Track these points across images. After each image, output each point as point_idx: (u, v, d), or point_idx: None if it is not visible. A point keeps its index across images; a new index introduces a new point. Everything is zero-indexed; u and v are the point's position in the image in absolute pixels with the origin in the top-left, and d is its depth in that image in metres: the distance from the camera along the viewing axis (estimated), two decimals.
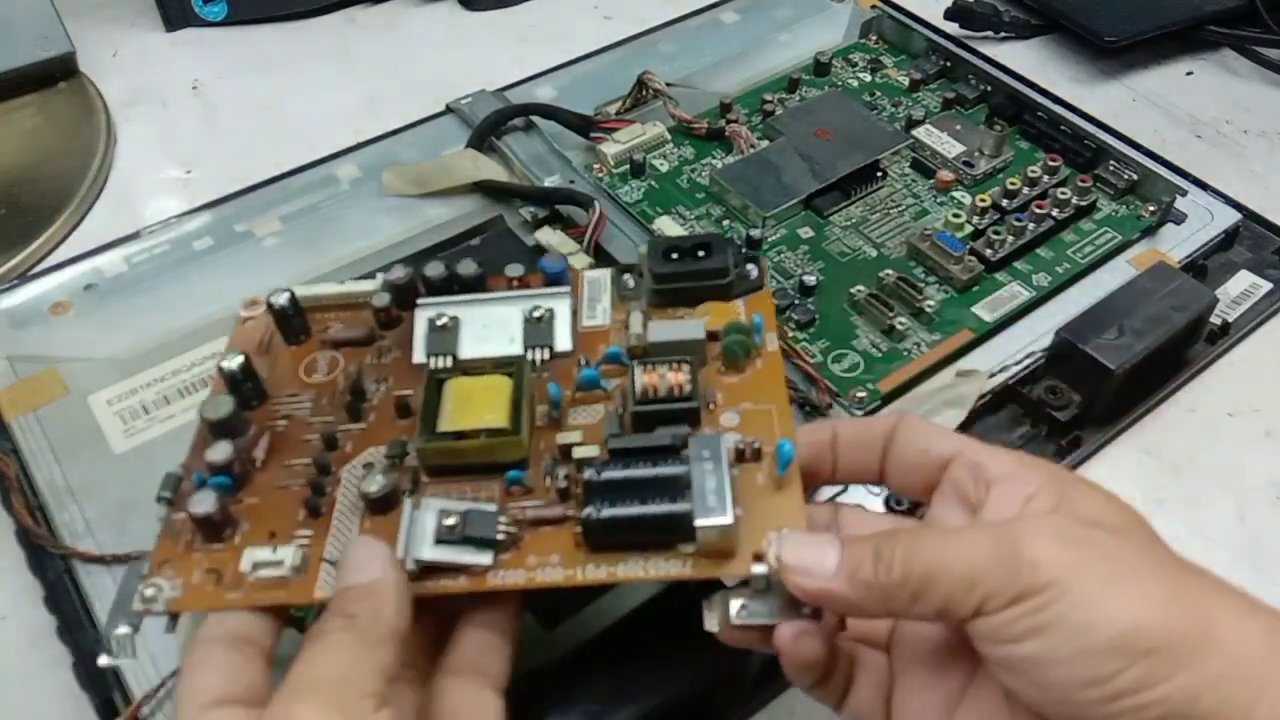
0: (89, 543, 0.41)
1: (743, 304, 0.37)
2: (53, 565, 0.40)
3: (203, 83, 0.68)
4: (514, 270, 0.38)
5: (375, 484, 0.31)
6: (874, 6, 0.67)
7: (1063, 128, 0.57)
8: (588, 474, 0.31)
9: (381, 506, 0.32)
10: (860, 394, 0.45)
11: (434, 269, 0.38)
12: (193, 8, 0.71)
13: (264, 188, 0.57)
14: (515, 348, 0.36)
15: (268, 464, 0.34)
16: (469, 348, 0.36)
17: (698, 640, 0.31)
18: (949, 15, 0.69)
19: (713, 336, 0.35)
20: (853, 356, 0.47)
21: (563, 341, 0.36)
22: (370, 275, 0.40)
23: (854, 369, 0.47)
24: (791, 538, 0.29)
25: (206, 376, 0.47)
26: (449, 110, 0.61)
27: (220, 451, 0.32)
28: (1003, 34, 0.70)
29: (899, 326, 0.47)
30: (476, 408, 0.33)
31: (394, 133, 0.60)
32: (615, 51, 0.66)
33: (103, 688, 0.37)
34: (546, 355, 0.36)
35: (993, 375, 0.46)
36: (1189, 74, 0.69)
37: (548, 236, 0.51)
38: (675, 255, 0.37)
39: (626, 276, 0.39)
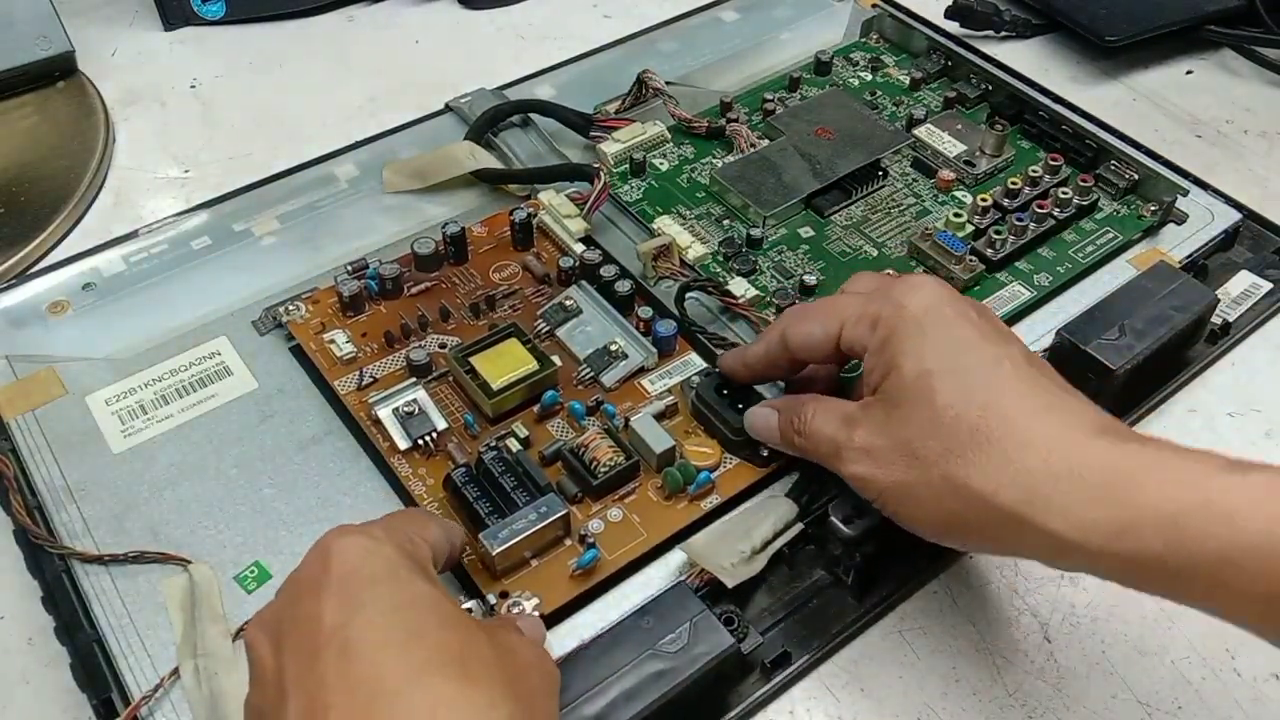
0: (87, 542, 0.41)
1: (728, 457, 0.42)
2: (51, 565, 0.40)
3: (201, 82, 0.68)
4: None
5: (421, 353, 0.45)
6: (875, 5, 0.67)
7: (1064, 127, 0.57)
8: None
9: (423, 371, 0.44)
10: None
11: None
12: (191, 6, 0.71)
13: (262, 187, 0.56)
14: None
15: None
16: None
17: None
18: (950, 14, 0.69)
19: (668, 459, 0.41)
20: None
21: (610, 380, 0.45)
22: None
23: (855, 369, 0.46)
24: (751, 412, 0.41)
25: (204, 376, 0.47)
26: (448, 109, 0.61)
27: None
28: (1003, 33, 0.70)
29: None
30: (507, 364, 0.43)
31: (392, 131, 0.60)
32: (615, 50, 0.66)
33: (102, 688, 0.37)
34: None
35: None
36: (1189, 74, 0.69)
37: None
38: (725, 392, 0.43)
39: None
